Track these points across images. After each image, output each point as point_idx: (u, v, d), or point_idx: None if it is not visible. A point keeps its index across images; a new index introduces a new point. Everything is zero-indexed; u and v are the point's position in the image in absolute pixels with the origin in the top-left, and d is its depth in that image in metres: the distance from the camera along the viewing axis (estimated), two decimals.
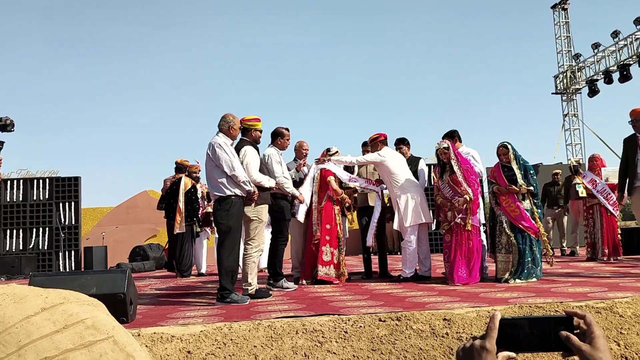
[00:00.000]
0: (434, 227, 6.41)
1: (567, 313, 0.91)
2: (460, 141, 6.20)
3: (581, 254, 9.18)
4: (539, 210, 5.49)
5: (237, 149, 5.07)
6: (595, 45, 15.71)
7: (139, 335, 3.29)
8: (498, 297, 4.25)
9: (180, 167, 8.26)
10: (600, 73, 15.66)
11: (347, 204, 6.29)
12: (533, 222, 5.39)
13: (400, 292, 4.95)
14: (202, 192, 8.38)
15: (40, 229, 11.40)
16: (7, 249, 11.22)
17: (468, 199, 5.37)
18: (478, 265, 5.49)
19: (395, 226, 6.01)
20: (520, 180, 5.43)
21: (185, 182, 8.01)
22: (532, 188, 5.43)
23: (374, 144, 6.22)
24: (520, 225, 5.36)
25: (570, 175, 9.30)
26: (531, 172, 5.51)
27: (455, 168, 5.50)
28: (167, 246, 8.78)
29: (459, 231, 5.46)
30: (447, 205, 5.55)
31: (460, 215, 5.41)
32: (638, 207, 5.57)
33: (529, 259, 5.36)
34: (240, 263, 5.00)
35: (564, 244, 9.73)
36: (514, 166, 5.51)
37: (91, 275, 3.78)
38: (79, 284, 3.58)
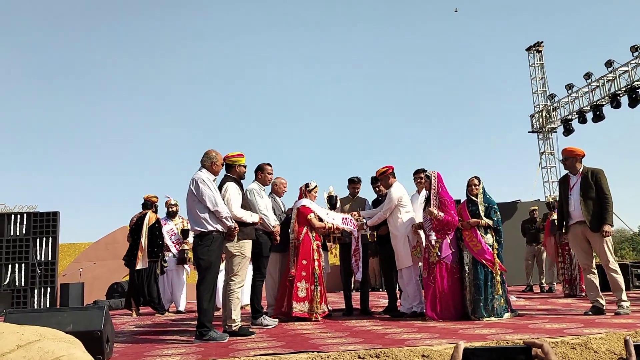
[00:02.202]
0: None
1: (526, 343, 0.97)
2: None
3: (558, 289, 9.28)
4: (499, 247, 5.59)
5: (220, 185, 5.11)
6: (569, 86, 16.23)
7: None
8: (476, 334, 4.28)
9: (146, 203, 8.17)
10: (575, 113, 16.11)
11: (336, 234, 6.29)
12: (495, 257, 5.51)
13: (381, 329, 4.95)
14: (182, 226, 8.33)
15: (16, 265, 11.16)
16: None
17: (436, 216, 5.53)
18: (455, 300, 5.51)
19: (404, 264, 5.99)
20: (482, 215, 5.58)
21: (150, 218, 7.95)
22: (490, 222, 5.56)
23: (384, 177, 6.20)
24: (483, 260, 5.45)
25: (547, 212, 9.49)
26: (494, 207, 5.67)
27: (434, 198, 5.63)
28: None
29: (438, 267, 5.53)
30: (419, 227, 5.67)
31: (438, 252, 5.51)
32: (574, 245, 5.79)
33: (497, 295, 5.41)
34: (220, 298, 4.97)
35: (543, 280, 9.83)
36: (479, 199, 5.66)
37: (68, 312, 3.74)
38: (55, 321, 3.53)
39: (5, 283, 11.01)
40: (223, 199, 4.94)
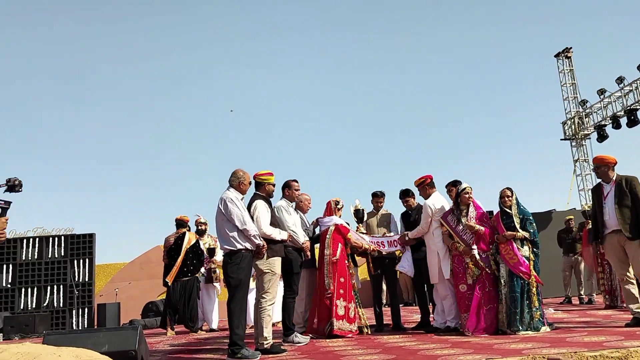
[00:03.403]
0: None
1: (550, 359, 0.96)
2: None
3: (598, 301, 8.99)
4: (535, 260, 5.47)
5: (249, 203, 5.18)
6: (601, 91, 15.85)
7: None
8: (512, 349, 4.19)
9: (181, 223, 8.34)
10: (608, 118, 15.73)
11: (373, 254, 6.27)
12: (531, 269, 5.39)
13: (413, 345, 4.89)
14: (211, 244, 8.43)
15: (55, 286, 11.46)
16: (22, 307, 11.26)
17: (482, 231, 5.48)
18: (495, 313, 5.43)
19: (436, 279, 5.91)
20: (517, 227, 5.48)
21: (189, 237, 8.11)
22: (527, 234, 5.47)
23: (422, 187, 6.11)
24: (520, 273, 5.35)
25: (584, 221, 9.24)
26: (529, 219, 5.56)
27: (472, 211, 5.58)
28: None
29: (480, 279, 5.44)
30: (469, 253, 5.53)
31: (484, 264, 5.43)
32: (610, 255, 5.63)
33: (534, 308, 5.29)
34: (251, 316, 4.99)
35: (582, 292, 9.55)
36: (513, 211, 5.57)
37: (103, 332, 3.82)
38: (92, 342, 3.62)
39: (45, 304, 11.31)
40: (252, 217, 5.00)
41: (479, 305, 5.40)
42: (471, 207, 5.66)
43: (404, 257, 6.26)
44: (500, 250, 5.52)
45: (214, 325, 8.46)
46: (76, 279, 11.55)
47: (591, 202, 5.93)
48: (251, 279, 5.19)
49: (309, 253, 5.83)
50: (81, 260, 11.70)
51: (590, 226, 8.33)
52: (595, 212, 5.65)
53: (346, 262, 6.03)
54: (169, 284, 7.91)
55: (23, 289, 11.40)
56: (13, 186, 3.83)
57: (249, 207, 5.11)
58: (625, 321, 5.49)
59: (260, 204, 5.18)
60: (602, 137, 16.22)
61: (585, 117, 17.27)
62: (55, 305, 11.37)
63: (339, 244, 6.01)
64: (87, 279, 11.63)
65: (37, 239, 11.73)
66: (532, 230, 5.51)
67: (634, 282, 5.49)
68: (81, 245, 11.78)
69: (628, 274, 5.48)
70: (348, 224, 6.35)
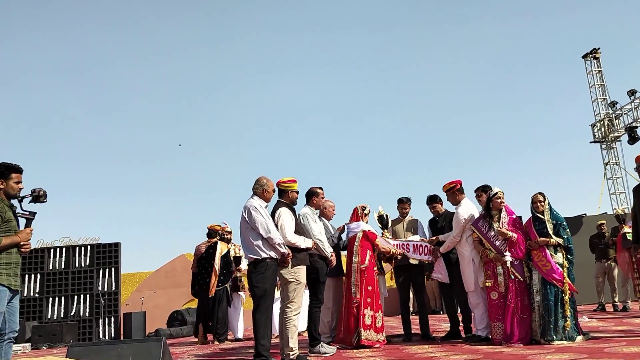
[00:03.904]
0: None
1: None
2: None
3: (633, 308, 8.68)
4: (569, 267, 5.27)
5: (273, 211, 5.10)
6: (632, 92, 15.48)
7: None
8: None
9: (212, 232, 8.37)
10: (639, 120, 15.33)
11: (398, 257, 6.16)
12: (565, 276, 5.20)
13: (443, 355, 4.74)
14: (234, 253, 8.41)
15: (82, 296, 11.56)
16: (49, 316, 11.37)
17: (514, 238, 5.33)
18: (528, 322, 5.26)
19: (472, 287, 5.73)
20: (550, 233, 5.31)
21: (222, 247, 8.09)
22: (561, 240, 5.28)
23: (451, 193, 5.97)
24: (553, 281, 5.16)
25: (617, 225, 8.95)
26: (563, 224, 5.37)
27: (504, 216, 5.42)
28: None
29: (513, 286, 5.27)
30: (501, 260, 5.37)
31: (516, 271, 5.27)
32: None
33: (568, 316, 5.09)
34: (277, 326, 4.92)
35: (616, 299, 9.23)
36: (546, 216, 5.38)
37: (127, 344, 3.78)
38: (116, 354, 3.58)
39: (72, 314, 11.40)
40: (276, 225, 4.92)
41: (512, 315, 5.22)
42: (503, 212, 5.50)
43: (437, 265, 6.10)
44: (532, 257, 5.34)
45: (240, 335, 8.40)
46: (102, 288, 11.64)
47: (632, 203, 5.65)
48: (276, 288, 5.11)
49: (334, 263, 5.72)
50: (107, 270, 11.79)
51: (624, 231, 8.07)
52: (635, 214, 5.39)
53: (375, 269, 5.91)
54: (210, 296, 7.87)
55: (50, 299, 11.52)
56: (38, 197, 3.83)
57: (272, 215, 5.04)
58: None
59: (284, 212, 5.11)
60: (633, 138, 15.79)
61: (615, 119, 16.85)
62: (81, 314, 11.46)
63: (368, 251, 5.89)
64: (113, 288, 11.71)
65: (63, 249, 11.86)
66: (565, 236, 5.32)
67: None
68: (107, 255, 11.87)
69: None
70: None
